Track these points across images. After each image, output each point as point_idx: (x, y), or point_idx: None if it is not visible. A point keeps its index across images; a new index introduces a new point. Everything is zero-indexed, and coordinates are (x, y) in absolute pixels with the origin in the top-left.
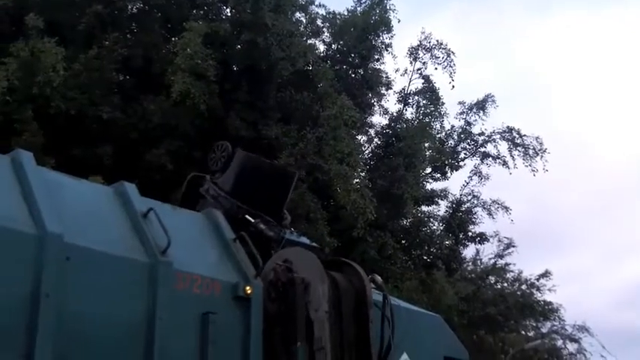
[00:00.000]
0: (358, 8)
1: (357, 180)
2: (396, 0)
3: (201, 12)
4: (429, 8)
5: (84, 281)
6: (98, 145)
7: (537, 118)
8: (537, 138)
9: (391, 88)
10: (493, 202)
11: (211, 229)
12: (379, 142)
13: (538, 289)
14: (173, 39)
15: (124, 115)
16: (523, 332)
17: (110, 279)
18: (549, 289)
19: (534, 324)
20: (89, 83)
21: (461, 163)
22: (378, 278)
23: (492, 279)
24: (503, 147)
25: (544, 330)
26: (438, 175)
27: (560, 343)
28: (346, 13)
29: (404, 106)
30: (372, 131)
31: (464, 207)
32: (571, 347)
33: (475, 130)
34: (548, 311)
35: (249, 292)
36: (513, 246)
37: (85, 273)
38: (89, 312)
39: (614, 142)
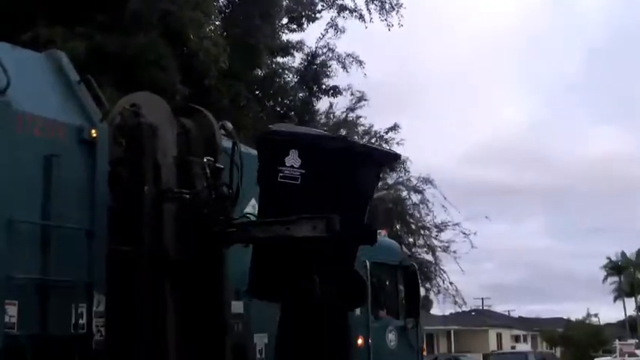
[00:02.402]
0: None
1: (211, 27)
2: None
3: None
4: None
5: None
6: None
7: None
8: None
9: None
10: (348, 55)
11: (54, 71)
12: None
13: (387, 142)
14: None
15: None
16: None
17: None
18: (397, 143)
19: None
20: None
21: (318, 15)
22: (229, 125)
23: (344, 132)
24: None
25: (390, 181)
26: (294, 26)
27: (405, 194)
28: None
29: None
30: None
31: (319, 60)
32: (415, 198)
33: None
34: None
35: (94, 135)
36: (365, 100)
37: None
38: None
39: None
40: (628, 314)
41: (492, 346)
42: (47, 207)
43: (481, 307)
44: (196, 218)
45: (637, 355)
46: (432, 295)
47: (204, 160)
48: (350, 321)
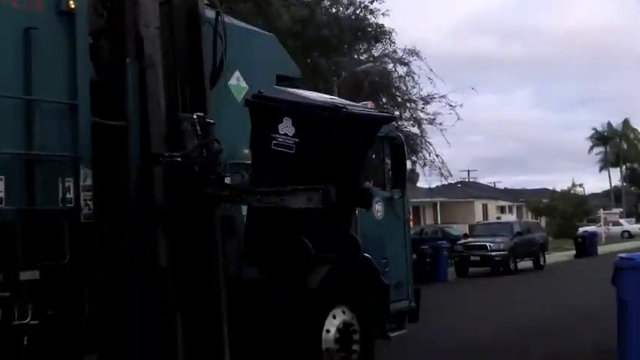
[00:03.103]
0: None
1: None
2: None
3: None
4: None
5: None
6: None
7: None
8: None
9: None
10: None
11: None
12: None
13: (372, 13)
14: None
15: None
16: (356, 56)
17: None
18: (383, 14)
19: (366, 47)
20: None
21: None
22: None
23: (327, 2)
24: None
25: (376, 53)
26: None
27: (390, 66)
28: None
29: None
30: None
31: None
32: (401, 70)
33: None
34: (380, 34)
35: (72, 6)
36: None
37: None
38: None
39: None
40: (613, 184)
41: (478, 217)
42: (29, 81)
43: (467, 179)
44: (188, 179)
45: (621, 224)
46: (418, 168)
47: (194, 116)
48: None
